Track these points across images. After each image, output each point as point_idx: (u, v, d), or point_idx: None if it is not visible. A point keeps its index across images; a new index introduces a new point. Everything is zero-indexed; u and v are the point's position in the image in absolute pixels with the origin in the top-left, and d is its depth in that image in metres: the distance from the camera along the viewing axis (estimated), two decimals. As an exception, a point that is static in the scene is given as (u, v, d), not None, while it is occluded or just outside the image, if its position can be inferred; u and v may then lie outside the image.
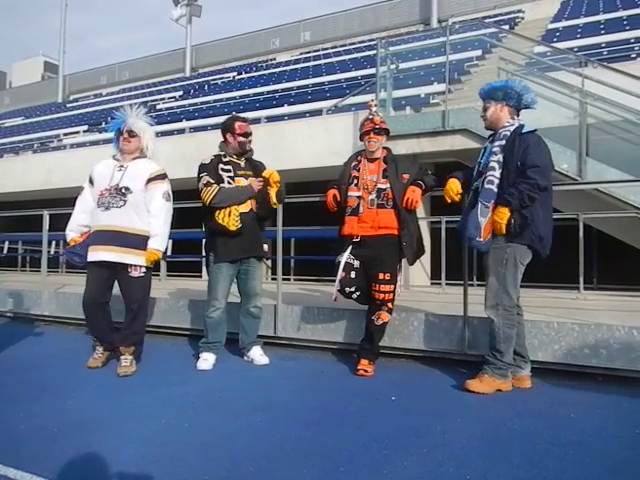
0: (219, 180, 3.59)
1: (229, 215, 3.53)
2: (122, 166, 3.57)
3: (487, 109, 3.21)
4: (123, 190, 3.48)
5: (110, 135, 4.12)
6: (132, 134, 3.61)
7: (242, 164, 3.73)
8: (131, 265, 3.50)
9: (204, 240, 3.85)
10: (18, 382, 3.33)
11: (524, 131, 3.04)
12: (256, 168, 3.77)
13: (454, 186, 3.30)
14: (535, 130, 3.05)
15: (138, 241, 3.49)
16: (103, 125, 14.63)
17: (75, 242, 3.63)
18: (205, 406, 2.88)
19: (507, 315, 3.01)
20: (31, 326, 5.59)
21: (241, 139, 3.69)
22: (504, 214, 2.95)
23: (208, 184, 3.56)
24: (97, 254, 3.49)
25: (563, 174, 5.66)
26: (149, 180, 3.55)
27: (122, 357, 3.56)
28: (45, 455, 2.18)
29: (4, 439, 2.36)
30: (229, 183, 3.61)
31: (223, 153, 3.72)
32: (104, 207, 3.50)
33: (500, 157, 3.04)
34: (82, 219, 3.66)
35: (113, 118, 3.79)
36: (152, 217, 3.54)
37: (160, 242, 3.56)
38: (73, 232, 3.66)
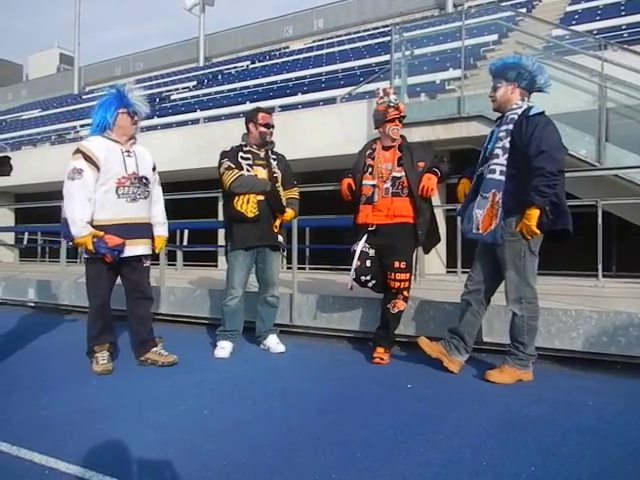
0: (239, 167, 3.65)
1: (247, 202, 3.58)
2: (128, 151, 3.33)
3: (497, 89, 3.05)
4: (144, 180, 3.37)
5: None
6: (140, 118, 3.42)
7: (261, 154, 3.77)
8: (146, 255, 3.44)
9: (224, 229, 3.89)
10: (39, 370, 3.40)
11: (531, 113, 2.89)
12: (275, 160, 3.81)
13: (461, 188, 3.32)
14: (543, 112, 2.91)
15: (152, 230, 3.51)
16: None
17: (111, 239, 3.16)
18: (222, 393, 2.91)
19: (531, 308, 2.96)
20: (51, 315, 5.70)
21: (262, 129, 3.74)
22: (531, 215, 2.78)
23: (229, 168, 3.62)
24: (134, 248, 3.29)
25: (582, 160, 5.57)
26: (153, 169, 3.52)
27: (157, 349, 3.48)
28: (67, 440, 2.23)
29: (27, 425, 2.42)
30: (248, 171, 3.66)
31: (244, 143, 3.79)
32: (130, 198, 3.28)
33: (506, 142, 2.93)
34: (90, 207, 3.17)
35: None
36: (157, 204, 3.55)
37: (166, 229, 3.63)
38: (89, 225, 3.15)
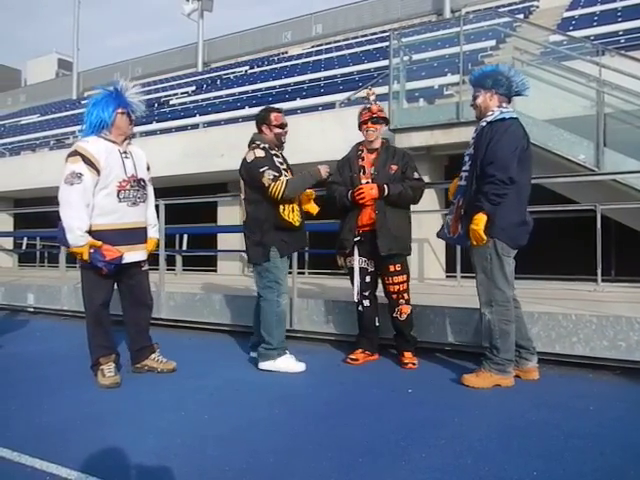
0: (279, 172, 3.39)
1: (293, 211, 3.42)
2: (125, 152, 3.22)
3: (476, 98, 3.09)
4: (142, 183, 3.28)
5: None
6: (136, 117, 3.30)
7: (280, 156, 3.60)
8: (143, 260, 3.36)
9: (257, 234, 3.47)
10: (39, 376, 3.40)
11: (495, 118, 2.93)
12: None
13: (451, 186, 3.34)
14: (506, 117, 2.91)
15: (147, 234, 3.42)
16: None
17: (108, 251, 3.06)
18: (223, 399, 2.91)
19: (501, 311, 2.96)
20: (51, 321, 5.69)
21: (278, 130, 3.51)
22: (479, 220, 2.84)
23: (275, 179, 3.31)
24: (133, 255, 3.22)
25: (580, 165, 5.59)
26: (147, 168, 3.43)
27: (155, 355, 3.43)
28: (68, 447, 2.22)
29: (28, 432, 2.41)
30: (284, 175, 3.44)
31: (268, 146, 3.48)
32: (130, 202, 3.19)
33: (471, 150, 3.02)
34: (89, 214, 3.06)
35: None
36: (150, 206, 3.47)
37: (157, 230, 3.57)
38: (88, 234, 3.05)
